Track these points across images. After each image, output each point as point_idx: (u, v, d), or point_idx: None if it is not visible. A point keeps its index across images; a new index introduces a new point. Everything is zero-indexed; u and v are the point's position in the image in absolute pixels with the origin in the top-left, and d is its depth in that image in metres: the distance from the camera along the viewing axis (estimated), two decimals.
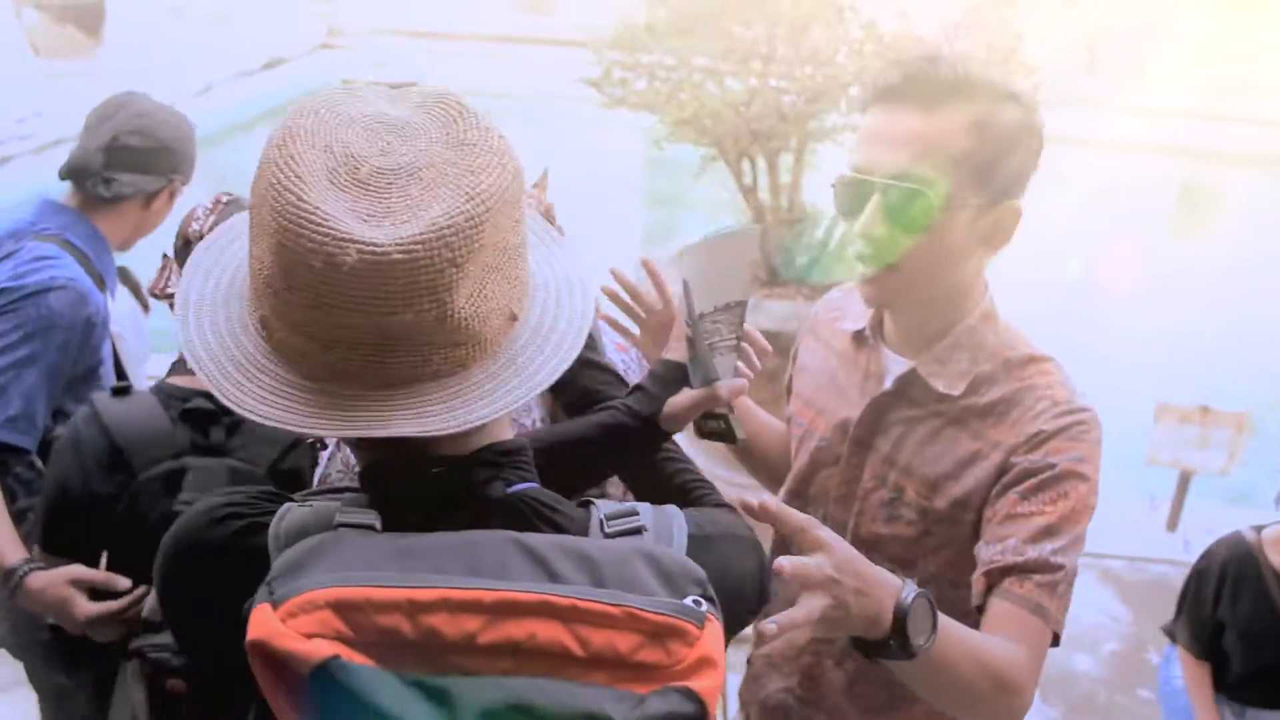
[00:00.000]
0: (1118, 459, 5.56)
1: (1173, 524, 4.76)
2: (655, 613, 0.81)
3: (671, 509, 1.01)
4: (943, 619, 1.17)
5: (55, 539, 1.75)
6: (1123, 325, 7.75)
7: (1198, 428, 4.58)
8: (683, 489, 1.26)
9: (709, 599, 0.85)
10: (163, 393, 1.70)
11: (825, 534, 1.09)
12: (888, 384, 1.49)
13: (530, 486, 0.97)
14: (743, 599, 1.03)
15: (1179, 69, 14.24)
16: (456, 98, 0.90)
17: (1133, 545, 4.69)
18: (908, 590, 1.11)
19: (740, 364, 1.38)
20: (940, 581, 1.44)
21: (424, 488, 0.93)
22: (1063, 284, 8.74)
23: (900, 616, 1.10)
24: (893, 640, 1.10)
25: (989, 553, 1.35)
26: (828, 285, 4.01)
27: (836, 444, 1.55)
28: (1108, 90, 14.11)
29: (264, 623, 0.77)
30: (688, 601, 0.83)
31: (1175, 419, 4.58)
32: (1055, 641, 1.34)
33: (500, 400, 0.88)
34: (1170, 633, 2.92)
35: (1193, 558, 4.81)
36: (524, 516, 0.94)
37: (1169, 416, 4.58)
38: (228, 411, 0.95)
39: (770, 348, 1.43)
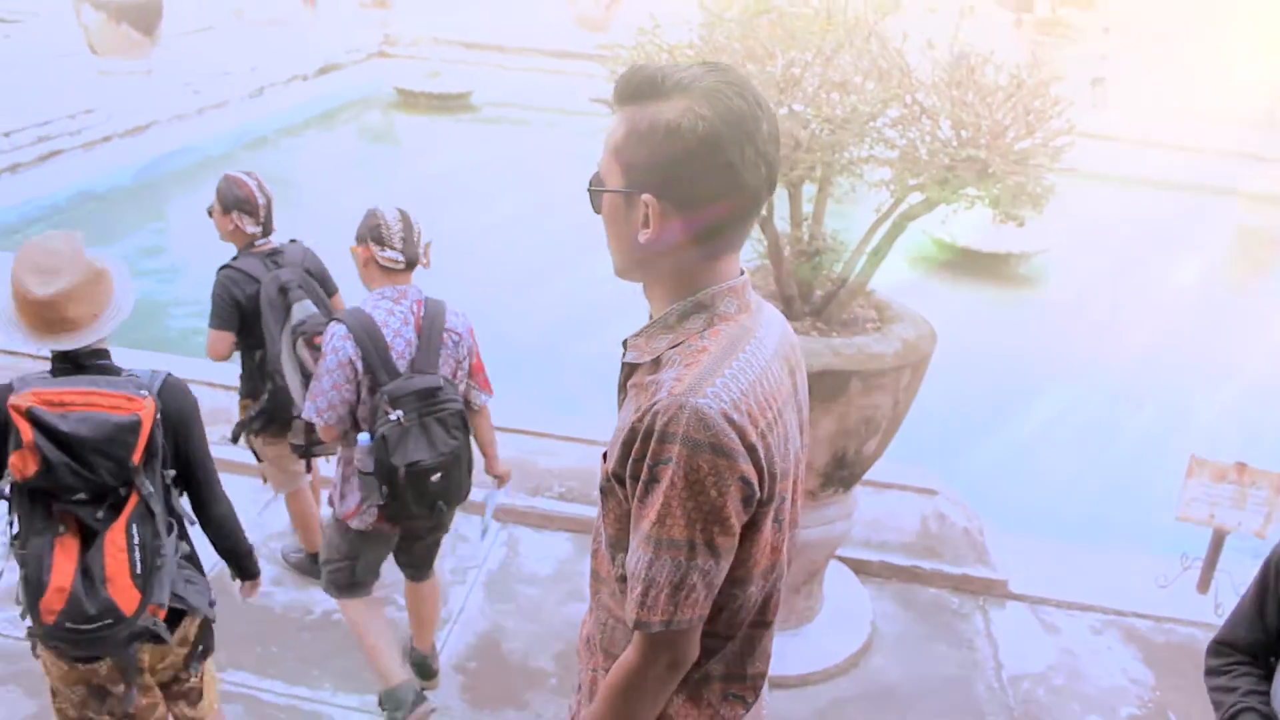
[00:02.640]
0: (1147, 511, 5.25)
1: (1204, 585, 4.54)
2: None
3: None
4: None
5: (221, 322, 3.70)
6: (1163, 370, 7.49)
7: (1234, 485, 4.37)
8: None
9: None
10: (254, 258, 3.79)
11: None
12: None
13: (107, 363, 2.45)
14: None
15: (1231, 108, 13.88)
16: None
17: (1160, 604, 4.48)
18: None
19: None
20: (618, 547, 1.56)
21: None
22: (1107, 325, 8.51)
23: None
24: None
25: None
26: (843, 320, 3.88)
27: None
28: (1161, 127, 13.79)
29: None
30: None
31: (1209, 474, 4.37)
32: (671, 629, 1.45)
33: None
34: None
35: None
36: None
37: (1203, 471, 4.38)
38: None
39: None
